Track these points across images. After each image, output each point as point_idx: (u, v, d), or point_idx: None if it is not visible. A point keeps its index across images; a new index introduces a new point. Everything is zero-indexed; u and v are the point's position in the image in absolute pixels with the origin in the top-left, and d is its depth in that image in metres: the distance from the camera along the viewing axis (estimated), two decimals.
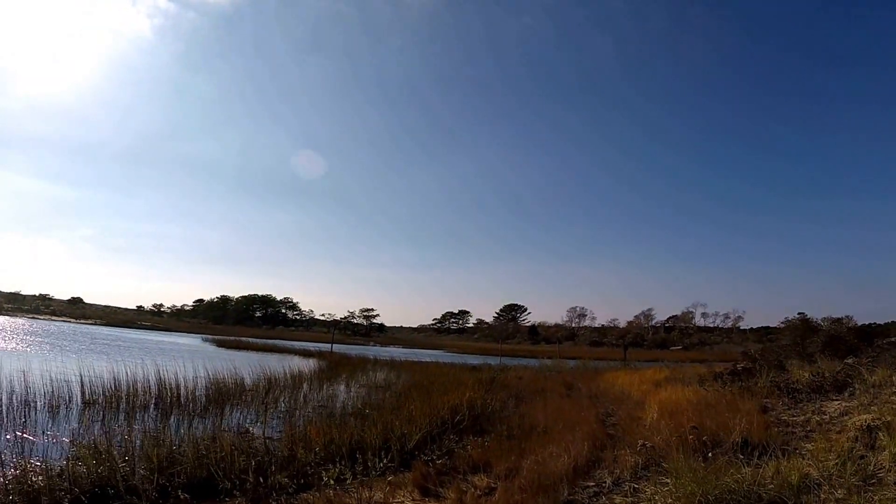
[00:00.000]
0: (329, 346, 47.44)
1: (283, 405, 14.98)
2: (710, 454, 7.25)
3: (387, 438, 9.42)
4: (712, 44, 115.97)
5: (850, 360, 12.44)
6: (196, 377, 15.58)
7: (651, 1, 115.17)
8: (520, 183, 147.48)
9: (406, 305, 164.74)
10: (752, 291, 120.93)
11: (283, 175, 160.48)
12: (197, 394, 14.43)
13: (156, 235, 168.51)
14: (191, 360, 19.66)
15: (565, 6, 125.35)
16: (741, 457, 6.91)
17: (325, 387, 19.39)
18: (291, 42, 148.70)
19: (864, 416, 8.38)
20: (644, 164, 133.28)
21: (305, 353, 37.94)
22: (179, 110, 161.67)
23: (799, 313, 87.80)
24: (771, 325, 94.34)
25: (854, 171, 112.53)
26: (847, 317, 15.45)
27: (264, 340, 52.99)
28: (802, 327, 15.80)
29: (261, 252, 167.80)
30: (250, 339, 53.34)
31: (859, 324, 15.67)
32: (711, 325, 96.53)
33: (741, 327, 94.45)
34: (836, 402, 10.23)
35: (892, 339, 14.27)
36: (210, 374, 16.12)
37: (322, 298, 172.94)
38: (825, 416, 9.24)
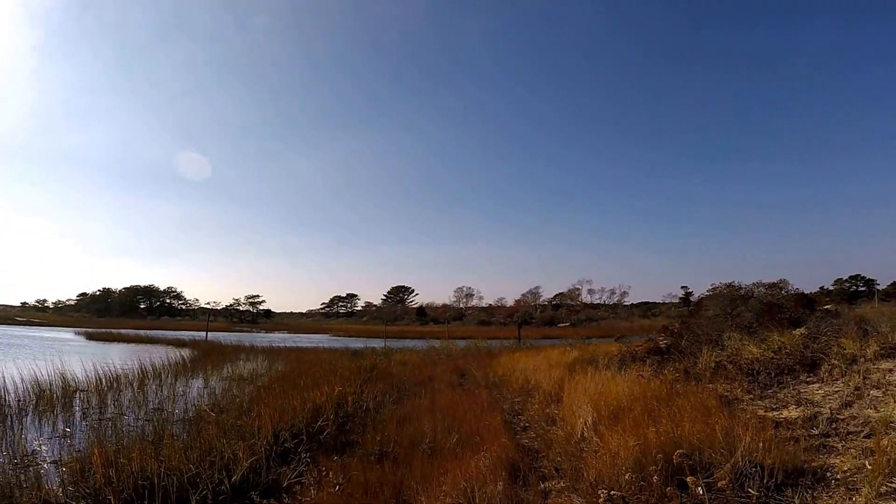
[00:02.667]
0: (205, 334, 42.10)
1: (111, 409, 11.62)
2: None
3: (210, 463, 6.44)
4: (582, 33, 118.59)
5: (801, 331, 10.42)
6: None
7: None
8: (402, 166, 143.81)
9: (295, 291, 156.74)
10: (635, 268, 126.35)
11: (164, 166, 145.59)
12: None
13: (39, 229, 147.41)
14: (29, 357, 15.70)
15: None
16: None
17: (178, 382, 16.11)
18: (154, 25, 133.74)
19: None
20: (521, 146, 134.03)
21: (178, 343, 34.35)
22: (46, 102, 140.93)
23: (682, 287, 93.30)
24: (652, 301, 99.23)
25: (726, 148, 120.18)
26: (782, 280, 14.23)
27: (138, 331, 46.95)
28: (730, 294, 13.88)
29: (148, 244, 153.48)
30: (123, 331, 48.13)
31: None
32: (598, 302, 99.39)
33: (626, 303, 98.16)
34: (816, 385, 7.98)
35: (828, 307, 12.63)
36: (36, 372, 13.49)
37: (211, 287, 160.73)
38: (821, 409, 6.84)
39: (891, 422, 5.75)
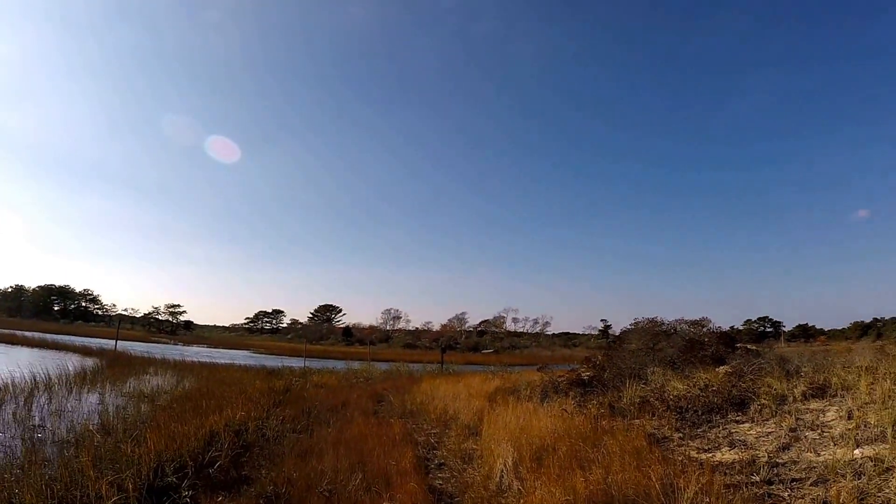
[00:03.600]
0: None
1: None
2: None
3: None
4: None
5: (726, 368, 10.12)
6: None
7: None
8: (332, 186, 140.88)
9: (219, 304, 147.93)
10: (557, 298, 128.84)
11: (93, 158, 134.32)
12: None
13: None
14: None
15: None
16: None
17: (71, 396, 13.91)
18: (96, 7, 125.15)
19: (837, 451, 5.51)
20: (452, 173, 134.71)
21: (85, 351, 30.62)
22: None
23: (602, 319, 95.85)
24: (573, 331, 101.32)
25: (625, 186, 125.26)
26: (704, 318, 14.08)
27: (44, 335, 41.65)
28: (652, 329, 13.60)
29: (69, 240, 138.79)
30: (28, 334, 42.22)
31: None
32: (521, 330, 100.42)
33: (548, 332, 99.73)
34: (747, 425, 7.53)
35: (748, 345, 12.57)
36: None
37: (131, 293, 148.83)
38: (757, 452, 6.31)
39: (837, 468, 5.25)
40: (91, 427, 9.05)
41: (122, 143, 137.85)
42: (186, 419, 9.41)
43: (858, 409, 6.96)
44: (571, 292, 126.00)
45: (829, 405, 7.69)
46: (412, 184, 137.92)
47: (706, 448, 6.89)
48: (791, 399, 7.99)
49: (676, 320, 14.03)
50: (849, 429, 6.31)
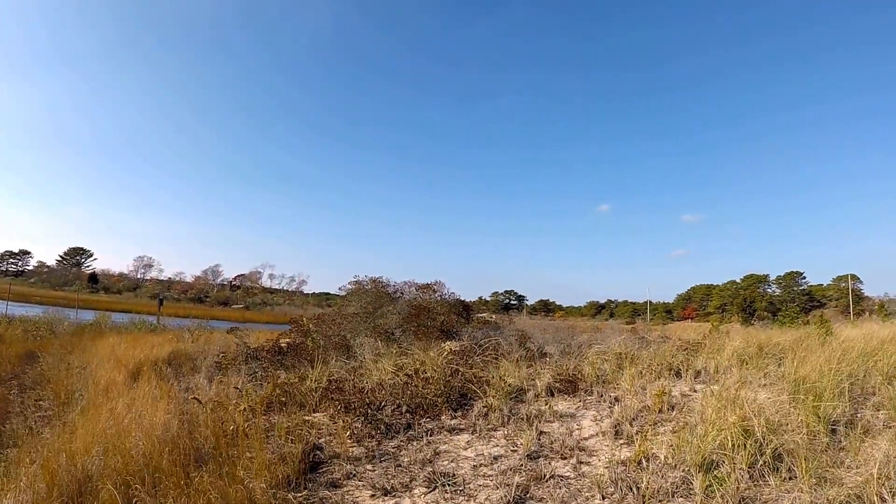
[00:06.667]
0: None
1: None
2: None
3: None
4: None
5: (452, 345, 7.40)
6: None
7: None
8: (81, 116, 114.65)
9: None
10: (316, 257, 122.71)
11: None
12: None
13: None
14: None
15: None
16: None
17: None
18: None
19: None
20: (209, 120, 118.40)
21: None
22: None
23: (354, 277, 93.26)
24: (331, 291, 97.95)
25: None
26: (437, 281, 11.59)
27: None
28: (375, 291, 10.56)
29: None
30: None
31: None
32: (277, 287, 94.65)
33: (304, 290, 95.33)
34: (464, 439, 4.59)
35: (486, 316, 10.28)
36: None
37: None
38: (454, 481, 3.26)
39: None
40: None
41: None
42: None
43: (629, 422, 4.43)
44: (331, 251, 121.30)
45: (584, 408, 5.16)
46: (169, 129, 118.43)
47: (389, 488, 3.68)
48: (532, 395, 5.33)
49: (405, 282, 11.20)
50: (624, 459, 3.65)
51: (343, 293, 13.53)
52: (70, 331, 18.91)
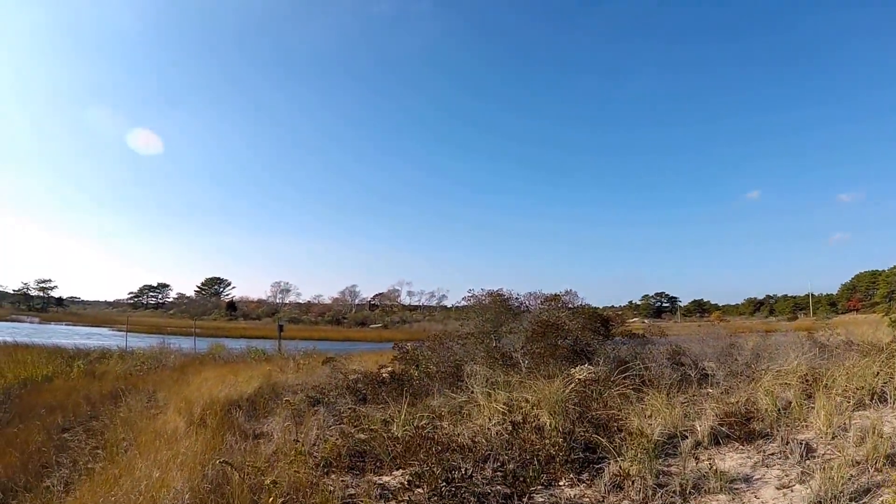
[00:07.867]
0: None
1: None
2: None
3: None
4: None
5: (585, 371, 6.02)
6: None
7: None
8: (220, 150, 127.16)
9: (104, 278, 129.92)
10: (455, 271, 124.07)
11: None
12: None
13: None
14: None
15: None
16: None
17: None
18: None
19: None
20: (336, 145, 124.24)
21: None
22: None
23: (468, 291, 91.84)
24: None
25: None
26: (568, 291, 10.02)
27: None
28: (497, 305, 9.34)
29: None
30: None
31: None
32: (416, 304, 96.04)
33: (445, 305, 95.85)
34: None
35: (634, 321, 8.69)
36: None
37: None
38: None
39: None
40: None
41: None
42: None
43: (834, 498, 2.86)
44: (471, 266, 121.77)
45: (763, 465, 3.61)
46: (301, 155, 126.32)
47: None
48: (689, 444, 3.87)
49: (530, 293, 9.87)
50: None
51: (458, 309, 12.46)
52: (178, 363, 18.01)
